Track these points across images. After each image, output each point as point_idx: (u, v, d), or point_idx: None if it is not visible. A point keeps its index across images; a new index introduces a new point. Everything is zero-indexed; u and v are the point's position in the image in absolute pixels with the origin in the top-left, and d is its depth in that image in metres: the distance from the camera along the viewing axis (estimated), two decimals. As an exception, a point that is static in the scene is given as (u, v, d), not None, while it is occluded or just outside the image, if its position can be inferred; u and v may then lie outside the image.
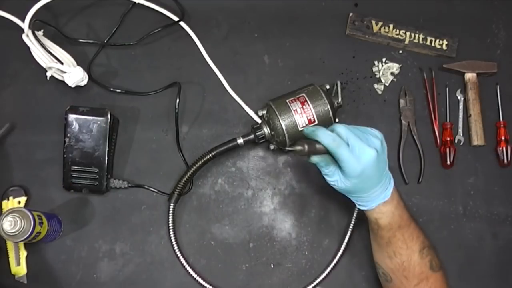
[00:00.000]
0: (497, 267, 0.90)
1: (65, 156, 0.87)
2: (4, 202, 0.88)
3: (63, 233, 0.88)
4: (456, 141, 0.95)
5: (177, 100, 0.89)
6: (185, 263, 0.87)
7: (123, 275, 0.88)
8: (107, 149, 0.87)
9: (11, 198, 0.88)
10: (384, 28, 0.97)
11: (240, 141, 0.87)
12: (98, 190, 0.88)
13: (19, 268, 0.86)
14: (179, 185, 0.87)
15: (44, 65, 0.89)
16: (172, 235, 0.87)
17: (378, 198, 0.74)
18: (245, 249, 0.90)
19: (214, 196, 0.92)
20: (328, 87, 0.89)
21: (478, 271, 0.90)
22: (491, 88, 0.96)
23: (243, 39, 0.98)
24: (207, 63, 0.96)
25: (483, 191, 0.93)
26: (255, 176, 0.92)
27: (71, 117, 0.86)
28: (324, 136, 0.70)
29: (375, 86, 0.97)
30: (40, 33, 0.91)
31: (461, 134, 0.95)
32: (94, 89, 0.94)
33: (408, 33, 0.97)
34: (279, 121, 0.85)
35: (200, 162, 0.86)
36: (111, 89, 0.94)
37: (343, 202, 0.80)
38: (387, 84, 0.97)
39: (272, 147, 0.89)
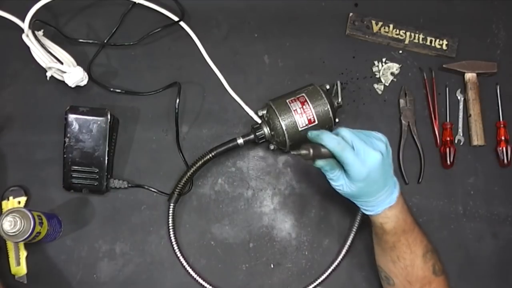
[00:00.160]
0: (497, 267, 0.90)
1: (65, 156, 0.87)
2: (4, 202, 0.88)
3: (63, 233, 0.88)
4: (456, 141, 0.95)
5: (177, 100, 0.89)
6: (185, 263, 0.87)
7: (123, 275, 0.88)
8: (107, 149, 0.87)
9: (11, 198, 0.88)
10: (384, 28, 0.97)
11: (240, 141, 0.87)
12: (98, 190, 0.88)
13: (19, 268, 0.86)
14: (179, 185, 0.87)
15: (44, 65, 0.89)
16: (172, 235, 0.87)
17: (384, 203, 0.74)
18: (245, 249, 0.90)
19: (214, 196, 0.92)
20: (328, 87, 0.89)
21: (478, 271, 0.90)
22: (491, 88, 0.96)
23: (243, 39, 0.98)
24: (207, 63, 0.96)
25: (483, 191, 0.93)
26: (255, 176, 0.92)
27: (71, 117, 0.86)
28: (329, 140, 0.70)
29: (375, 86, 0.97)
30: (40, 33, 0.91)
31: (461, 134, 0.95)
32: (94, 89, 0.94)
33: (408, 33, 0.97)
34: (279, 121, 0.85)
35: (200, 162, 0.86)
36: (111, 89, 0.94)
37: (343, 202, 0.80)
38: (387, 84, 0.97)
39: (272, 147, 0.89)
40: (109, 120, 0.87)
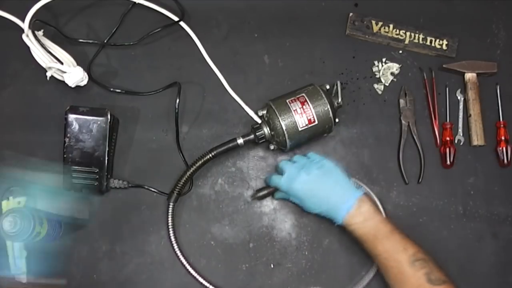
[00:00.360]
0: (497, 267, 0.90)
1: (65, 156, 0.87)
2: (4, 202, 0.88)
3: (63, 233, 0.88)
4: (456, 141, 0.95)
5: (177, 100, 0.89)
6: (185, 263, 0.87)
7: (123, 275, 0.88)
8: (107, 149, 0.87)
9: (11, 198, 0.88)
10: (384, 28, 0.97)
11: (240, 141, 0.87)
12: (98, 190, 0.88)
13: (19, 268, 0.86)
14: (179, 185, 0.87)
15: (44, 65, 0.89)
16: (172, 235, 0.87)
17: (341, 210, 0.80)
18: (245, 249, 0.90)
19: (214, 196, 0.92)
20: (328, 87, 0.89)
21: (478, 271, 0.90)
22: (491, 88, 0.96)
23: (243, 39, 0.98)
24: (207, 63, 0.96)
25: (483, 191, 0.93)
26: (255, 176, 0.92)
27: (71, 117, 0.86)
28: (272, 181, 0.88)
29: (375, 86, 0.97)
30: (40, 33, 0.91)
31: (461, 134, 0.95)
32: (94, 89, 0.94)
33: (408, 33, 0.97)
34: (279, 121, 0.85)
35: (200, 162, 0.86)
36: (111, 89, 0.94)
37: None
38: (387, 84, 0.97)
39: (272, 147, 0.89)
40: (109, 120, 0.87)
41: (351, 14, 0.97)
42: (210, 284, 0.86)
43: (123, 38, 0.96)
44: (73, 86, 0.90)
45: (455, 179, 0.93)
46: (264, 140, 0.88)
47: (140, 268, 0.88)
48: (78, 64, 0.91)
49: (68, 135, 0.86)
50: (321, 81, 0.89)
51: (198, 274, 0.87)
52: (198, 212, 0.91)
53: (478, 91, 0.95)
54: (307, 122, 0.85)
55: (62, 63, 0.90)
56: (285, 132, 0.85)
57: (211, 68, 0.96)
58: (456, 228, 0.91)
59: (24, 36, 0.88)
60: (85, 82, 0.91)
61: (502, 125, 0.94)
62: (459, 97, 0.97)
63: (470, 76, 0.96)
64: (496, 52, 0.98)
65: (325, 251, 0.90)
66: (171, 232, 0.87)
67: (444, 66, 0.96)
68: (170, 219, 0.87)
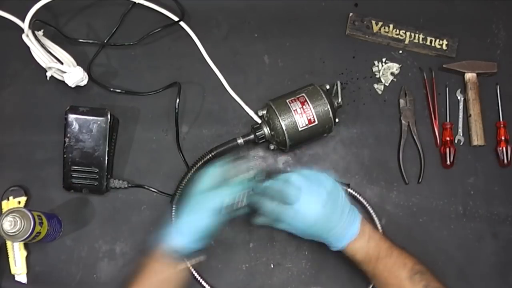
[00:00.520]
0: (497, 267, 0.90)
1: (65, 156, 0.87)
2: (4, 202, 0.88)
3: (63, 233, 0.88)
4: (456, 141, 0.95)
5: (177, 100, 0.89)
6: (185, 263, 0.87)
7: (123, 275, 0.88)
8: (107, 149, 0.87)
9: (11, 198, 0.88)
10: (384, 28, 0.97)
11: (240, 141, 0.87)
12: (98, 190, 0.88)
13: (19, 268, 0.86)
14: (181, 187, 0.87)
15: (44, 65, 0.89)
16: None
17: (345, 237, 0.76)
18: (245, 249, 0.90)
19: (214, 196, 0.91)
20: (328, 87, 0.89)
21: (478, 271, 0.90)
22: (491, 88, 0.96)
23: (243, 39, 0.98)
24: (207, 63, 0.96)
25: (483, 191, 0.93)
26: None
27: (71, 117, 0.86)
28: (266, 207, 0.77)
29: (375, 86, 0.97)
30: (40, 33, 0.91)
31: (461, 134, 0.95)
32: (94, 89, 0.94)
33: (408, 33, 0.97)
34: (279, 121, 0.85)
35: (200, 163, 0.86)
36: (111, 89, 0.94)
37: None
38: (387, 84, 0.97)
39: (272, 147, 0.89)
40: (109, 120, 0.87)
41: (351, 14, 0.97)
42: (210, 284, 0.86)
43: (123, 38, 0.96)
44: (73, 86, 0.90)
45: (455, 179, 0.93)
46: (264, 140, 0.88)
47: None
48: (78, 64, 0.91)
49: (68, 135, 0.86)
50: (321, 81, 0.89)
51: (198, 274, 0.87)
52: (198, 212, 0.91)
53: (478, 91, 0.95)
54: (307, 122, 0.85)
55: (62, 63, 0.90)
56: (285, 132, 0.85)
57: (211, 68, 0.96)
58: (456, 228, 0.91)
59: (24, 36, 0.88)
60: (85, 82, 0.91)
61: (502, 125, 0.94)
62: (459, 97, 0.97)
63: (470, 76, 0.96)
64: (496, 52, 0.98)
65: (325, 251, 0.89)
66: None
67: (444, 66, 0.96)
68: (174, 221, 0.87)
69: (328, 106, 0.86)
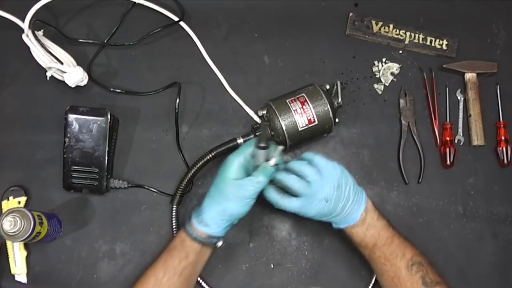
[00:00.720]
0: (497, 267, 0.90)
1: (65, 156, 0.87)
2: (4, 202, 0.88)
3: (63, 233, 0.88)
4: (456, 141, 0.95)
5: (177, 100, 0.89)
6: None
7: (123, 275, 0.88)
8: (107, 149, 0.87)
9: (11, 198, 0.88)
10: (384, 28, 0.97)
11: (240, 141, 0.87)
12: (98, 190, 0.88)
13: (19, 268, 0.86)
14: (181, 187, 0.87)
15: (44, 65, 0.89)
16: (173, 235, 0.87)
17: (345, 223, 0.78)
18: (245, 249, 0.90)
19: (214, 196, 0.91)
20: (328, 87, 0.89)
21: (478, 271, 0.90)
22: (491, 88, 0.96)
23: (243, 39, 0.98)
24: (207, 63, 0.96)
25: (483, 191, 0.93)
26: (255, 176, 0.92)
27: (71, 117, 0.86)
28: (292, 182, 0.77)
29: (375, 86, 0.97)
30: (40, 33, 0.91)
31: (461, 134, 0.95)
32: (94, 89, 0.94)
33: (408, 33, 0.97)
34: (279, 121, 0.85)
35: (200, 163, 0.86)
36: (111, 89, 0.94)
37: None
38: (387, 84, 0.97)
39: (272, 147, 0.89)
40: (109, 120, 0.87)
41: (351, 14, 0.97)
42: (210, 285, 0.86)
43: (123, 38, 0.96)
44: (73, 86, 0.90)
45: (455, 179, 0.93)
46: (264, 140, 0.88)
47: (140, 268, 0.88)
48: (78, 64, 0.91)
49: (68, 135, 0.87)
50: (321, 81, 0.89)
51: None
52: (198, 212, 0.91)
53: (478, 91, 0.95)
54: (307, 122, 0.85)
55: (62, 63, 0.90)
56: (285, 132, 0.85)
57: (211, 68, 0.96)
58: (456, 228, 0.91)
59: (24, 36, 0.88)
60: (85, 82, 0.91)
61: (502, 125, 0.94)
62: (459, 97, 0.97)
63: (470, 76, 0.96)
64: (496, 52, 0.98)
65: (325, 251, 0.90)
66: (174, 234, 0.86)
67: (444, 66, 0.96)
68: (174, 222, 0.87)
69: (328, 106, 0.86)
